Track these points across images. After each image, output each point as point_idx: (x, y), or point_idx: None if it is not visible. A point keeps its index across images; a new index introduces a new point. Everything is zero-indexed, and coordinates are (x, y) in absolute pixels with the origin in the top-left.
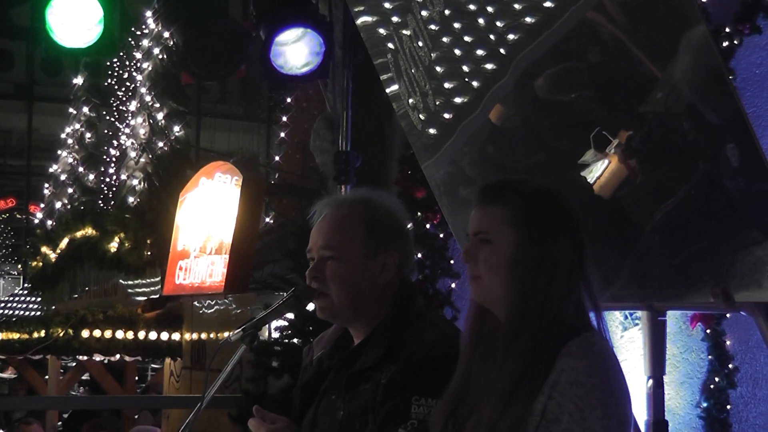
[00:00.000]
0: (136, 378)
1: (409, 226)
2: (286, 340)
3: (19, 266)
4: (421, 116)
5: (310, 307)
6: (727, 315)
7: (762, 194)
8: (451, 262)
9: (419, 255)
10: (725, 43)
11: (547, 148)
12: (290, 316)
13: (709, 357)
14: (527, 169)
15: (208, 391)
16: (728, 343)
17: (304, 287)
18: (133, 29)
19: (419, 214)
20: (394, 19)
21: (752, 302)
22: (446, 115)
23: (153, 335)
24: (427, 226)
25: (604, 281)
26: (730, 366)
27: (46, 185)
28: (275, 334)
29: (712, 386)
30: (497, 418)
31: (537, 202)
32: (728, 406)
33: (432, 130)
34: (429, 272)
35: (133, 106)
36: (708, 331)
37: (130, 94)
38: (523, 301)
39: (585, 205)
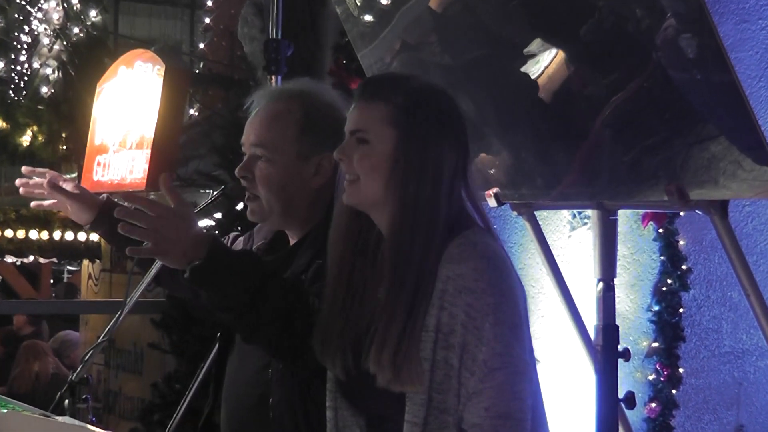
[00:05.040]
0: (51, 281)
1: None
2: None
3: None
4: (357, 2)
5: (240, 206)
6: (681, 214)
7: (719, 87)
8: None
9: None
10: None
11: (490, 37)
12: (218, 215)
13: (661, 258)
14: (469, 61)
15: (130, 295)
16: (681, 243)
17: (233, 185)
18: None
19: None
20: None
21: (707, 200)
22: (384, 2)
23: (69, 235)
24: None
25: (552, 178)
26: (683, 267)
27: None
28: None
29: (664, 289)
30: (394, 340)
31: (421, 101)
32: (681, 309)
33: (369, 17)
34: None
35: None
36: (660, 230)
37: None
38: (408, 209)
39: (530, 99)
